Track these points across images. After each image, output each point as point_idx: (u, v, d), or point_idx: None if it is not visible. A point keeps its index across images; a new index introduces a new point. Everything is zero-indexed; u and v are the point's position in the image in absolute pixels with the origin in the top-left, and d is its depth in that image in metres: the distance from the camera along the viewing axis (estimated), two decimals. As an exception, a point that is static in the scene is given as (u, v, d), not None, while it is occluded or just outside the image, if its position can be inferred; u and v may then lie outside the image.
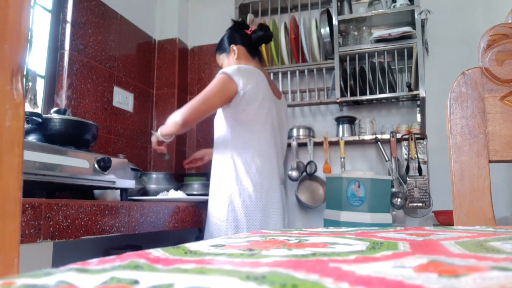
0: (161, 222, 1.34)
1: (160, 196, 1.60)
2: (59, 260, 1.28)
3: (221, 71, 1.50)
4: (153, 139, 1.59)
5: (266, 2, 2.30)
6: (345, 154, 2.07)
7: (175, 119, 1.47)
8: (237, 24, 1.73)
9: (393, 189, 1.91)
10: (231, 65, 1.61)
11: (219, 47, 1.71)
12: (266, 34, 1.69)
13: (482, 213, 0.68)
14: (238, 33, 1.69)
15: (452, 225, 0.69)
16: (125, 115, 2.13)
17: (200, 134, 2.43)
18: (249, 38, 1.68)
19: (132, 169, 1.65)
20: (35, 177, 1.06)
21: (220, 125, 1.56)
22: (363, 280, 0.17)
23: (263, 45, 2.14)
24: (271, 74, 2.21)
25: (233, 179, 1.48)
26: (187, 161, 1.89)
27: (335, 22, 2.05)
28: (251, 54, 1.67)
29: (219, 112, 1.57)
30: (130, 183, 1.43)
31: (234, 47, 1.65)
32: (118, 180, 1.37)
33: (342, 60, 2.09)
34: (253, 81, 1.50)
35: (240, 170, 1.48)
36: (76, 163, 1.21)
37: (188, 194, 1.70)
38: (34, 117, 1.26)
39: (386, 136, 1.99)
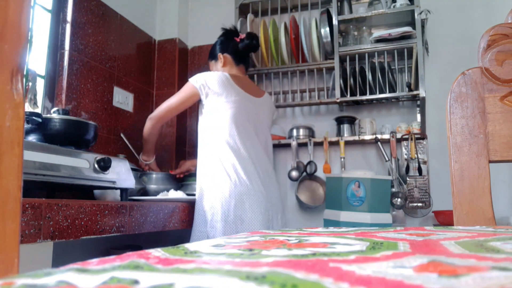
0: (161, 222, 1.34)
1: (160, 196, 1.60)
2: (59, 260, 1.28)
3: (190, 79, 1.67)
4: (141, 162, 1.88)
5: (266, 2, 2.30)
6: (345, 154, 2.07)
7: (148, 117, 1.76)
8: (227, 32, 1.86)
9: (393, 189, 1.91)
10: (218, 71, 1.78)
11: (210, 54, 1.87)
12: (251, 44, 1.80)
13: (482, 213, 0.68)
14: (227, 41, 1.82)
15: (452, 225, 0.69)
16: (125, 115, 2.12)
17: (200, 134, 2.43)
18: (237, 46, 1.81)
19: (132, 169, 1.65)
20: (35, 177, 1.06)
21: (199, 131, 1.68)
22: (363, 280, 0.17)
23: (262, 43, 2.14)
24: (271, 74, 2.21)
25: (206, 174, 1.56)
26: (174, 173, 1.96)
27: (335, 22, 2.05)
28: (236, 62, 1.80)
29: (200, 118, 1.69)
30: (130, 183, 1.43)
31: (221, 55, 1.80)
32: (118, 180, 1.37)
33: (342, 60, 2.09)
34: (214, 82, 1.62)
35: (212, 166, 1.56)
36: (76, 163, 1.21)
37: (188, 194, 1.70)
38: (34, 117, 1.26)
39: (386, 136, 1.99)
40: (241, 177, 1.52)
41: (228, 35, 1.85)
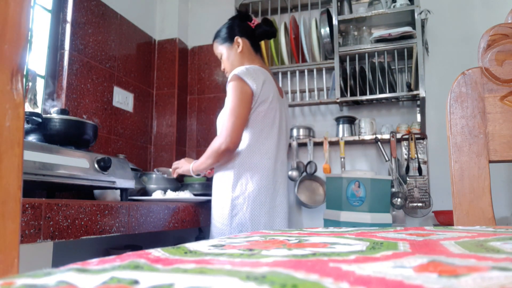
0: (161, 222, 1.34)
1: (154, 196, 1.60)
2: (59, 260, 1.28)
3: (232, 75, 1.45)
4: (183, 170, 1.58)
5: (266, 2, 2.30)
6: (345, 154, 2.07)
7: (219, 148, 1.39)
8: (241, 15, 1.66)
9: (393, 189, 1.91)
10: (233, 58, 1.57)
11: (219, 36, 1.61)
12: (271, 30, 1.61)
13: (482, 213, 0.68)
14: (241, 24, 1.60)
15: (452, 225, 0.69)
16: (125, 115, 2.13)
17: (200, 134, 2.43)
18: (253, 32, 1.60)
19: (132, 169, 1.65)
20: (35, 177, 1.06)
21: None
22: (363, 280, 0.17)
23: (262, 43, 2.14)
24: (271, 74, 2.20)
25: (237, 183, 1.43)
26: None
27: (335, 22, 2.05)
28: (254, 49, 1.60)
29: (222, 113, 1.52)
30: (130, 183, 1.43)
31: (239, 39, 1.56)
32: (118, 180, 1.37)
33: (342, 60, 2.09)
34: (263, 81, 1.45)
35: (245, 174, 1.43)
36: (76, 163, 1.21)
37: (195, 195, 1.70)
38: (34, 117, 1.26)
39: (386, 136, 1.99)
40: (270, 187, 1.44)
41: (241, 18, 1.62)
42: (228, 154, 1.41)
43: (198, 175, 1.58)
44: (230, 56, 1.58)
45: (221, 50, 1.60)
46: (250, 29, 1.59)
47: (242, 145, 1.44)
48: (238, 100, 1.40)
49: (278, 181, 1.50)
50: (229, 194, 1.43)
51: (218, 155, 1.40)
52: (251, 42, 1.59)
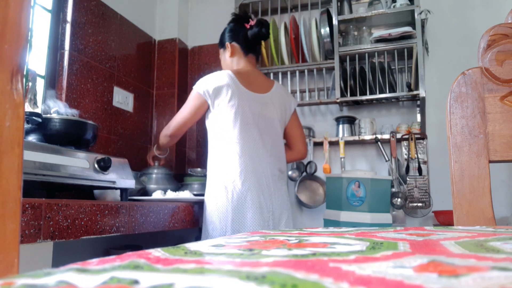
0: (161, 222, 1.34)
1: (154, 196, 1.60)
2: (59, 260, 1.28)
3: (195, 86, 1.60)
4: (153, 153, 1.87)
5: (266, 2, 2.30)
6: (345, 154, 2.07)
7: (165, 132, 1.67)
8: (236, 18, 1.72)
9: (393, 189, 1.91)
10: (226, 61, 1.70)
11: (220, 42, 1.73)
12: (260, 31, 1.65)
13: (482, 213, 0.68)
14: (236, 28, 1.68)
15: (452, 225, 0.69)
16: (125, 115, 2.12)
17: (200, 134, 2.43)
18: (245, 35, 1.66)
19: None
20: (35, 177, 1.06)
21: (208, 130, 1.63)
22: (363, 280, 0.17)
23: (262, 43, 2.14)
24: (271, 74, 2.20)
25: (212, 181, 1.51)
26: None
27: (335, 22, 2.05)
28: (244, 52, 1.66)
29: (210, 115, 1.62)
30: (130, 183, 1.43)
31: (228, 45, 1.66)
32: (118, 180, 1.37)
33: (342, 60, 2.09)
34: (217, 86, 1.54)
35: (217, 169, 1.51)
36: (76, 163, 1.21)
37: (195, 195, 1.70)
38: (34, 117, 1.26)
39: (386, 136, 1.99)
40: (238, 189, 1.46)
41: (238, 21, 1.70)
42: (168, 140, 1.69)
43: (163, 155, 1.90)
44: (224, 60, 1.72)
45: (221, 54, 1.73)
46: (243, 32, 1.67)
47: (215, 146, 1.55)
48: (193, 102, 1.59)
49: (262, 180, 1.50)
50: (211, 196, 1.51)
51: (162, 138, 1.70)
52: (243, 45, 1.67)
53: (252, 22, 1.67)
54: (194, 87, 1.59)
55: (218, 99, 1.54)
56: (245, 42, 1.66)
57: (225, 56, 1.69)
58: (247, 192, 1.47)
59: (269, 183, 1.53)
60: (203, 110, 1.59)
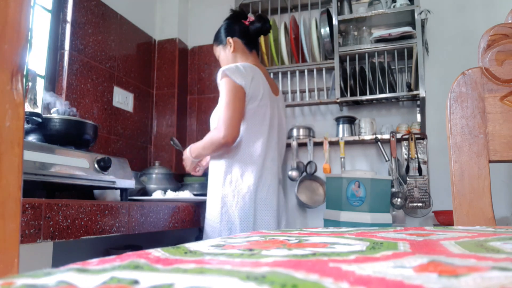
0: (161, 222, 1.34)
1: (154, 196, 1.60)
2: (59, 260, 1.28)
3: (220, 72, 1.47)
4: (187, 162, 1.59)
5: (266, 2, 2.30)
6: (345, 154, 2.07)
7: (217, 140, 1.40)
8: (235, 14, 1.67)
9: (393, 189, 1.91)
10: (227, 58, 1.62)
11: (216, 38, 1.67)
12: (264, 26, 1.62)
13: (482, 213, 0.68)
14: (235, 24, 1.63)
15: (452, 225, 0.69)
16: (125, 115, 2.13)
17: (200, 134, 2.43)
18: (246, 30, 1.62)
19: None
20: (35, 177, 1.06)
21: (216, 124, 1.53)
22: (363, 280, 0.17)
23: (262, 43, 2.14)
24: (271, 74, 2.20)
25: (227, 180, 1.46)
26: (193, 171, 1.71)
27: (335, 22, 2.05)
28: (248, 48, 1.62)
29: (216, 110, 1.53)
30: (130, 183, 1.43)
31: (230, 39, 1.60)
32: (118, 180, 1.37)
33: (342, 60, 2.08)
34: (251, 78, 1.46)
35: (235, 171, 1.45)
36: (76, 163, 1.21)
37: (195, 195, 1.70)
38: (34, 117, 1.26)
39: (386, 136, 1.99)
40: (261, 186, 1.45)
41: (235, 17, 1.65)
42: (225, 147, 1.42)
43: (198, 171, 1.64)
44: (225, 57, 1.64)
45: (218, 51, 1.67)
46: (243, 28, 1.62)
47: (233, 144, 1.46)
48: (232, 94, 1.41)
49: (268, 179, 1.49)
50: (219, 191, 1.46)
51: (215, 147, 1.42)
52: (245, 40, 1.62)
53: (251, 18, 1.65)
54: (225, 73, 1.44)
55: (252, 94, 1.45)
56: (246, 37, 1.61)
57: (226, 52, 1.63)
58: (267, 194, 1.46)
59: (274, 188, 1.53)
60: (244, 96, 1.44)
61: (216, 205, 1.46)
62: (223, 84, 1.45)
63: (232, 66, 1.47)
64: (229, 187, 1.45)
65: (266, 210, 1.47)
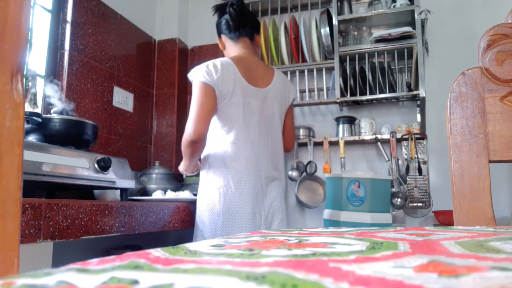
0: (161, 222, 1.34)
1: (154, 196, 1.60)
2: (59, 260, 1.28)
3: (189, 73, 1.49)
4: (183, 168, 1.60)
5: (266, 2, 2.30)
6: (345, 154, 2.07)
7: (184, 141, 1.42)
8: (216, 9, 1.64)
9: (393, 189, 1.91)
10: (224, 53, 1.66)
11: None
12: (230, 11, 1.56)
13: (482, 213, 0.68)
14: (219, 21, 1.63)
15: (452, 225, 0.69)
16: (125, 115, 2.12)
17: (200, 134, 2.43)
18: (226, 22, 1.59)
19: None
20: (35, 177, 1.06)
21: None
22: (363, 280, 0.17)
23: (262, 43, 2.14)
24: (271, 74, 2.20)
25: (203, 179, 1.48)
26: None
27: (335, 22, 2.05)
28: (233, 39, 1.59)
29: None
30: (130, 183, 1.43)
31: (219, 40, 1.65)
32: (118, 180, 1.37)
33: (342, 60, 2.08)
34: (222, 75, 1.44)
35: (210, 170, 1.46)
36: (76, 163, 1.21)
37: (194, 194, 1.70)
38: (34, 117, 1.26)
39: (386, 136, 1.99)
40: (231, 193, 1.41)
41: (220, 13, 1.62)
42: (195, 145, 1.41)
43: (194, 173, 1.62)
44: (224, 52, 1.68)
45: (219, 42, 1.70)
46: (224, 21, 1.60)
47: (212, 143, 1.47)
48: (199, 92, 1.43)
49: (243, 180, 1.44)
50: (200, 189, 1.48)
51: (186, 146, 1.42)
52: (227, 32, 1.60)
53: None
54: (194, 77, 1.45)
55: (222, 93, 1.44)
56: (228, 29, 1.59)
57: (220, 50, 1.68)
58: (240, 197, 1.42)
59: (263, 187, 1.49)
60: (215, 99, 1.43)
61: (198, 203, 1.48)
62: (193, 84, 1.48)
63: (200, 65, 1.47)
64: (203, 185, 1.47)
65: (237, 211, 1.41)
